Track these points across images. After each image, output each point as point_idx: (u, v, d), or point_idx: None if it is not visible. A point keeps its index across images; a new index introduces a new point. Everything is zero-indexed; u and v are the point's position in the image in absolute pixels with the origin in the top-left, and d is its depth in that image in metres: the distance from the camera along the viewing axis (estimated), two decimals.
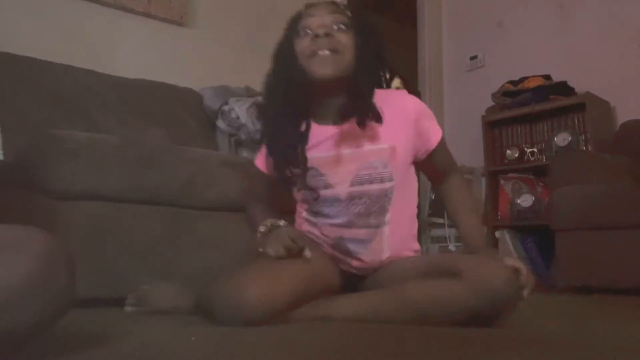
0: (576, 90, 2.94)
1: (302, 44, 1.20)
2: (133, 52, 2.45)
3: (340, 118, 1.20)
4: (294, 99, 1.21)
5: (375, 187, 1.21)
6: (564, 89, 2.95)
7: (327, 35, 1.18)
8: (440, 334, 0.99)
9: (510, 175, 3.08)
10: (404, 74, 5.46)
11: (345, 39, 1.19)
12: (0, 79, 1.82)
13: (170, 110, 2.26)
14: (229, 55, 2.78)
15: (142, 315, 1.24)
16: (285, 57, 1.22)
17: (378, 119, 1.19)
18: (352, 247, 1.23)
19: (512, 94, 3.09)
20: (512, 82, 3.13)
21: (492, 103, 3.20)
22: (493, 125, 3.21)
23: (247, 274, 1.07)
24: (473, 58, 3.68)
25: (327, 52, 1.17)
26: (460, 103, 3.73)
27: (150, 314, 1.24)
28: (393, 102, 1.24)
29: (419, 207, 1.36)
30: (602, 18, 3.06)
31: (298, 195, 1.29)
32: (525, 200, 2.90)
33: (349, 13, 1.23)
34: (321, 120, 1.24)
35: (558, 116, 2.99)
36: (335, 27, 1.20)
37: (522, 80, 3.09)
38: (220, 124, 2.32)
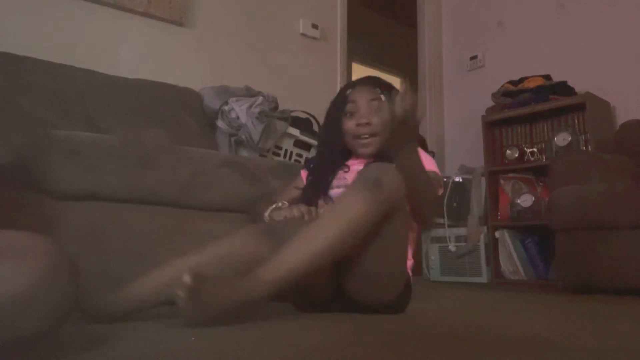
0: (576, 90, 2.94)
1: (348, 125, 1.53)
2: (133, 52, 2.45)
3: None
4: (338, 152, 1.58)
5: None
6: (564, 89, 2.94)
7: (367, 124, 1.50)
8: (439, 335, 0.99)
9: (510, 175, 3.08)
10: (403, 74, 5.49)
11: (381, 122, 1.49)
12: (0, 79, 1.82)
13: (170, 110, 2.25)
14: (229, 55, 2.78)
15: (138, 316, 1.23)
16: (334, 127, 1.56)
17: None
18: None
19: (512, 94, 3.09)
20: (512, 82, 3.13)
21: (492, 103, 3.20)
22: (493, 125, 3.21)
23: None
24: (473, 58, 3.68)
25: (368, 138, 1.51)
26: (460, 103, 3.73)
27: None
28: None
29: None
30: (603, 18, 3.06)
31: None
32: (525, 200, 2.90)
33: (383, 97, 1.51)
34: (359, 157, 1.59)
35: (558, 116, 2.99)
36: (373, 113, 1.50)
37: (522, 80, 3.09)
38: (220, 124, 2.32)
